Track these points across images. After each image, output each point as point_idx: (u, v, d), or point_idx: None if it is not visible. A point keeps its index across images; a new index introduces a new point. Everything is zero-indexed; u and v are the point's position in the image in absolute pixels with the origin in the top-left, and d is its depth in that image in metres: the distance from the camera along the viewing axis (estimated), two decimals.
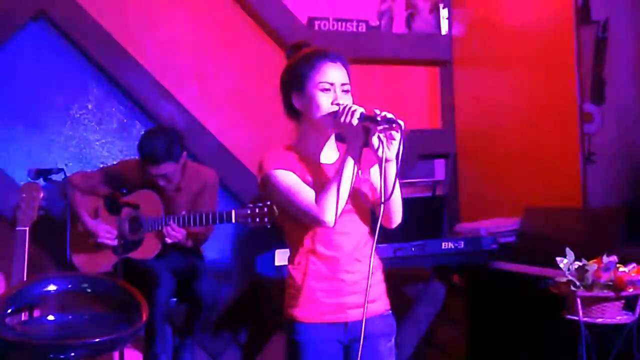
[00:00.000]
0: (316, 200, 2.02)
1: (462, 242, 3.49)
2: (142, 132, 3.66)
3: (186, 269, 3.54)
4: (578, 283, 2.53)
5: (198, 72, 4.23)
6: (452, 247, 3.45)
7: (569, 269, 2.58)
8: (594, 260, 2.56)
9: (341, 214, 2.05)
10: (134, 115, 4.08)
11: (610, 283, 2.51)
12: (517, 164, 4.14)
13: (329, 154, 2.17)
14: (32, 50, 3.93)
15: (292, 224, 2.12)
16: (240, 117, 4.29)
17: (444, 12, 4.62)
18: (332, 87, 2.08)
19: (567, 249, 2.63)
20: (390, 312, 2.20)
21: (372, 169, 2.18)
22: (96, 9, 3.95)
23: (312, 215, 2.03)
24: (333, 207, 2.01)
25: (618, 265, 2.53)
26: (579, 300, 2.51)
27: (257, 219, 3.30)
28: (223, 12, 4.25)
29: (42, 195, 3.31)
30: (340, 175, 2.02)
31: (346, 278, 2.09)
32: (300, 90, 2.10)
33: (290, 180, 2.08)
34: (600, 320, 2.52)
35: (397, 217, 2.15)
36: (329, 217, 2.01)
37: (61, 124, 4.00)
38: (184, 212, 3.45)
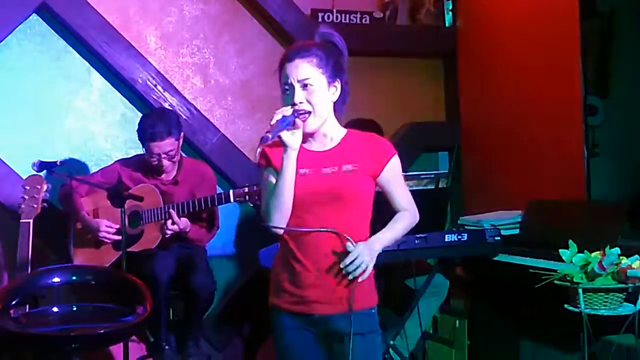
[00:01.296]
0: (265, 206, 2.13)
1: (466, 235, 3.48)
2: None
3: (185, 260, 3.55)
4: (581, 275, 2.54)
5: (201, 64, 4.23)
6: (456, 239, 3.44)
7: (571, 261, 2.58)
8: (597, 253, 2.57)
9: (315, 207, 2.10)
10: (137, 107, 4.08)
11: (613, 275, 2.51)
12: (521, 157, 4.14)
13: (320, 142, 2.19)
14: (36, 42, 3.93)
15: None
16: (242, 110, 4.29)
17: (447, 4, 4.62)
18: (291, 87, 2.11)
19: (570, 242, 2.63)
20: (367, 310, 2.17)
21: (383, 176, 2.18)
22: (100, 2, 3.96)
23: (266, 224, 2.14)
24: (272, 209, 2.10)
25: (620, 257, 2.53)
26: (581, 292, 2.52)
27: (256, 197, 3.34)
28: (226, 5, 4.24)
29: (45, 187, 3.35)
30: (278, 178, 2.09)
31: (312, 272, 2.11)
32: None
33: (263, 177, 2.19)
34: (602, 311, 2.52)
35: None
36: (271, 219, 2.10)
37: (64, 116, 4.00)
38: (183, 201, 3.49)
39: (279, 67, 2.17)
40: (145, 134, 3.49)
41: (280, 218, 2.10)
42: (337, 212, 2.11)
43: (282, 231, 2.12)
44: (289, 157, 2.07)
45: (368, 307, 2.17)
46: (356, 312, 2.10)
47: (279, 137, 2.04)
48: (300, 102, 2.09)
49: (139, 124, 3.57)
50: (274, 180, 2.12)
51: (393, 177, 2.19)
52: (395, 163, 2.19)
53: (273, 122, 2.03)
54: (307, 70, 2.10)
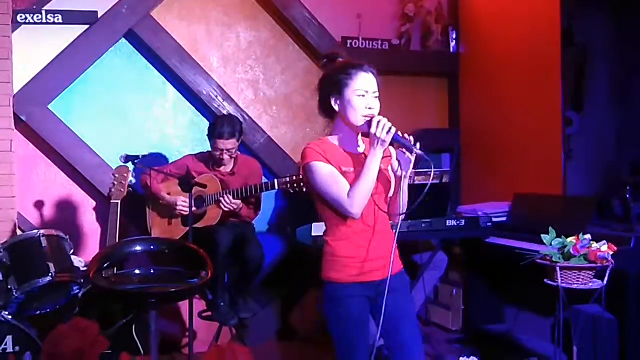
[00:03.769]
0: (348, 195, 2.01)
1: (463, 221, 3.47)
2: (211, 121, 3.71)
3: (239, 236, 3.57)
4: (558, 255, 2.52)
5: (252, 80, 4.24)
6: (455, 224, 3.43)
7: (551, 244, 2.56)
8: (572, 238, 2.54)
9: (373, 194, 2.04)
10: (202, 113, 4.11)
11: (584, 256, 2.49)
12: (510, 158, 4.10)
13: (357, 145, 2.16)
14: (124, 61, 3.97)
15: (329, 204, 2.08)
16: (285, 116, 4.29)
17: (452, 34, 4.57)
18: (366, 93, 2.06)
19: (550, 228, 2.61)
20: (403, 270, 2.20)
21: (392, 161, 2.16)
22: (174, 29, 4.00)
23: (342, 207, 2.02)
24: (360, 202, 2.01)
25: (591, 242, 2.51)
26: (558, 269, 2.50)
27: (295, 185, 3.36)
28: (272, 32, 4.24)
29: (130, 176, 3.40)
30: (366, 176, 2.00)
31: (371, 247, 2.08)
32: (339, 95, 2.07)
33: (327, 172, 2.05)
34: (575, 286, 2.50)
35: (404, 209, 2.15)
36: (356, 210, 2.01)
37: (145, 120, 4.04)
38: (237, 187, 3.52)
39: (349, 72, 2.07)
40: (215, 131, 3.51)
41: (362, 208, 2.04)
42: (380, 198, 2.12)
43: (358, 214, 2.02)
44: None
45: (402, 269, 2.20)
46: (398, 273, 2.15)
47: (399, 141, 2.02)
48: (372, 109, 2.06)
49: (211, 123, 3.58)
50: (334, 171, 2.04)
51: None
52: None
53: (387, 126, 1.99)
54: (376, 86, 2.09)
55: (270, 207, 4.14)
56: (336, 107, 2.10)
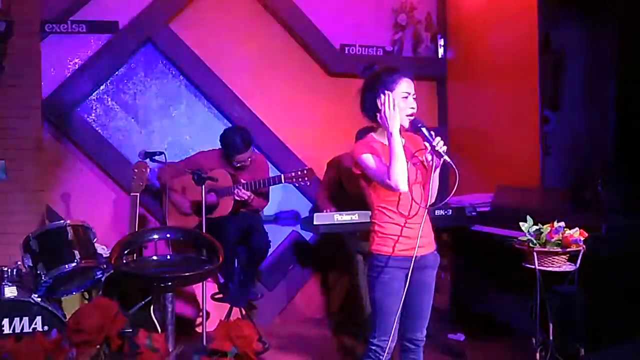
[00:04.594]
0: (389, 174, 2.11)
1: (450, 210, 3.47)
2: (223, 129, 3.68)
3: (248, 225, 3.58)
4: (535, 241, 2.52)
5: (260, 83, 4.23)
6: (443, 213, 3.43)
7: (528, 231, 2.56)
8: (548, 225, 2.54)
9: (411, 184, 2.16)
10: (214, 115, 4.11)
11: (559, 242, 2.49)
12: (493, 154, 4.09)
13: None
14: (142, 67, 3.98)
15: (378, 190, 2.20)
16: (290, 118, 4.28)
17: (440, 41, 4.56)
18: (409, 95, 2.18)
19: (528, 217, 2.61)
20: (436, 251, 2.30)
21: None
22: (189, 38, 3.99)
23: (389, 185, 2.12)
24: (400, 176, 2.10)
25: (565, 229, 2.51)
26: (535, 254, 2.50)
27: (300, 179, 3.36)
28: (280, 41, 4.23)
29: (149, 170, 3.38)
30: (395, 153, 2.11)
31: (412, 227, 2.19)
32: (384, 95, 2.17)
33: (370, 160, 2.17)
34: (550, 268, 2.51)
35: (434, 196, 2.26)
36: (401, 185, 2.11)
37: (163, 120, 4.04)
38: (248, 181, 3.52)
39: (394, 77, 2.19)
40: (233, 149, 3.51)
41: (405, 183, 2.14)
42: (417, 187, 2.23)
43: (405, 188, 2.12)
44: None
45: (435, 250, 2.29)
46: (434, 252, 2.27)
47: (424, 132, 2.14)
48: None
49: (225, 140, 3.55)
50: (378, 160, 2.16)
51: None
52: None
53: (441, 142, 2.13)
54: (413, 89, 2.21)
55: (276, 199, 4.14)
56: (382, 108, 2.19)
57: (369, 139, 2.26)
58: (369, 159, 2.17)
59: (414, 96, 2.20)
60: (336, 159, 3.85)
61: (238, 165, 3.55)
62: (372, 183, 2.21)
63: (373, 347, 2.22)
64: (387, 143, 2.17)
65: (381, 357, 2.20)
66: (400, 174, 2.10)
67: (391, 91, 2.15)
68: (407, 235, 2.18)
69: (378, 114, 2.17)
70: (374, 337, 2.22)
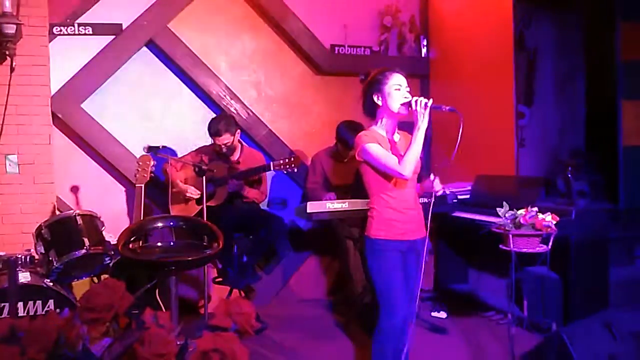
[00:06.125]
0: (400, 162, 2.12)
1: (433, 198, 3.49)
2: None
3: (246, 214, 3.57)
4: (510, 225, 2.55)
5: (256, 82, 4.22)
6: (427, 201, 3.43)
7: (505, 216, 2.58)
8: (522, 210, 2.56)
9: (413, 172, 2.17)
10: (213, 110, 4.09)
11: (532, 225, 2.51)
12: (472, 146, 4.06)
13: (394, 134, 2.28)
14: (145, 66, 3.95)
15: (378, 178, 2.21)
16: (283, 113, 4.28)
17: (423, 42, 4.56)
18: (401, 87, 2.19)
19: (504, 202, 2.63)
20: (427, 237, 2.32)
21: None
22: (188, 39, 3.97)
23: (395, 172, 2.14)
24: (409, 167, 2.13)
25: (538, 213, 2.53)
26: (510, 237, 2.53)
27: (288, 166, 3.34)
28: (273, 41, 4.21)
29: (152, 163, 3.36)
30: (414, 145, 2.12)
31: (407, 212, 2.22)
32: (379, 92, 2.21)
33: (378, 149, 2.18)
34: (525, 250, 2.53)
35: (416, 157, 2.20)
36: (407, 172, 2.13)
37: (165, 116, 4.02)
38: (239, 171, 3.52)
39: (385, 73, 2.22)
40: (211, 131, 3.51)
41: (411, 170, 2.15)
42: (414, 177, 2.26)
43: (409, 175, 2.13)
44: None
45: (426, 235, 2.32)
46: (426, 237, 2.29)
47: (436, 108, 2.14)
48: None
49: (208, 125, 3.56)
50: (383, 149, 2.16)
51: None
52: None
53: (423, 101, 2.12)
54: (406, 82, 2.24)
55: (272, 188, 4.14)
56: (379, 102, 2.22)
57: (371, 131, 2.26)
58: (376, 148, 2.17)
59: (408, 89, 2.21)
60: (320, 153, 3.88)
61: (222, 150, 3.53)
62: (375, 170, 2.21)
63: (383, 329, 2.17)
64: (385, 135, 2.21)
65: (390, 339, 2.17)
66: (412, 163, 2.12)
67: (384, 86, 2.17)
68: (403, 220, 2.20)
69: (409, 109, 2.17)
70: (382, 320, 2.19)
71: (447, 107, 2.13)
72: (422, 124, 2.12)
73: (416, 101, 2.13)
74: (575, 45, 3.85)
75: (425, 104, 2.11)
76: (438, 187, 2.26)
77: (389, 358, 2.19)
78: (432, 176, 2.24)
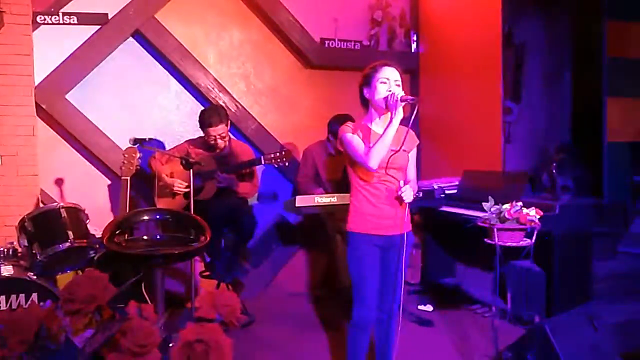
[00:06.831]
0: (368, 152, 2.11)
1: (421, 193, 3.51)
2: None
3: (234, 207, 3.55)
4: (495, 219, 2.57)
5: (244, 74, 4.20)
6: (415, 195, 3.47)
7: (490, 210, 2.61)
8: (507, 205, 2.59)
9: (389, 168, 2.14)
10: (201, 103, 4.07)
11: (517, 220, 2.54)
12: (460, 141, 4.14)
13: (382, 127, 2.22)
14: (132, 57, 3.91)
15: (356, 170, 2.20)
16: (272, 106, 4.27)
17: (413, 37, 4.57)
18: (388, 81, 2.16)
19: (490, 197, 2.66)
20: (410, 231, 2.29)
21: (410, 153, 2.27)
22: (175, 29, 3.94)
23: (362, 161, 2.13)
24: (374, 158, 2.10)
25: (522, 208, 2.56)
26: (495, 230, 2.55)
27: (279, 160, 3.33)
28: (262, 34, 4.20)
29: (138, 156, 3.31)
30: (382, 138, 2.10)
31: (382, 208, 2.19)
32: (368, 86, 2.21)
33: (353, 139, 2.18)
34: (509, 244, 2.56)
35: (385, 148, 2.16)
36: (371, 164, 2.10)
37: (151, 108, 3.99)
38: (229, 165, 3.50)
39: (375, 67, 2.20)
40: (205, 122, 3.48)
41: (378, 162, 2.11)
42: (397, 172, 2.21)
43: (374, 167, 2.11)
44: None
45: (410, 230, 2.28)
46: (408, 232, 2.23)
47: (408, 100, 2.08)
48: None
49: (200, 116, 3.53)
50: (358, 140, 2.15)
51: (412, 155, 2.32)
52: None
53: (401, 94, 2.09)
54: (398, 76, 2.20)
55: (262, 182, 4.13)
56: (367, 96, 2.22)
57: (357, 123, 2.28)
58: (351, 138, 2.18)
59: (398, 83, 2.19)
60: (312, 146, 3.87)
61: (215, 142, 3.52)
62: (350, 162, 2.22)
63: (353, 320, 2.23)
64: (374, 128, 2.21)
65: (361, 329, 2.21)
66: (380, 154, 2.10)
67: (372, 80, 2.18)
68: (378, 215, 2.18)
69: (374, 103, 2.18)
70: (353, 311, 2.23)
71: (410, 98, 2.11)
72: (395, 119, 2.11)
73: (390, 96, 2.13)
74: (562, 42, 3.88)
75: (397, 99, 2.11)
76: (407, 198, 2.14)
77: (360, 349, 2.23)
78: (401, 183, 2.19)
